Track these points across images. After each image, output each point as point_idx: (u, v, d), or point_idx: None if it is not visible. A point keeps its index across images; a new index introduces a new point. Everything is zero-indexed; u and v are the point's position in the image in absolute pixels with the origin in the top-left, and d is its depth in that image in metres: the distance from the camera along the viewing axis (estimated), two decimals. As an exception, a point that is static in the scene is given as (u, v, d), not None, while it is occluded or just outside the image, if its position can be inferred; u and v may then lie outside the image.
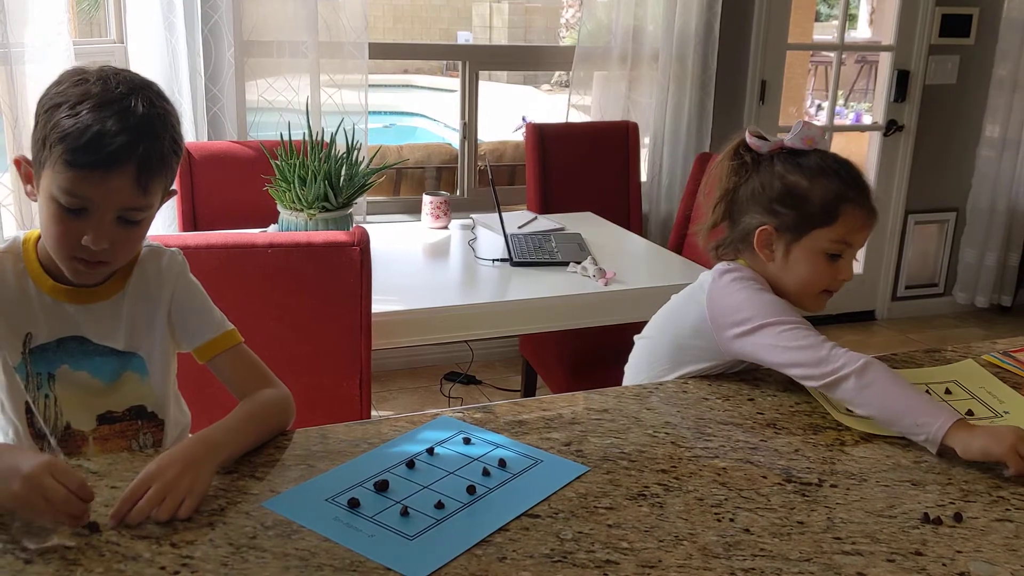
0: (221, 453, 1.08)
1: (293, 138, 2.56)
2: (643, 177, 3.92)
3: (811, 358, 1.31)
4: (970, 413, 1.35)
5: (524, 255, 2.70)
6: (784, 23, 4.09)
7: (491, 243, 2.81)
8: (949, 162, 4.50)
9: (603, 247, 2.80)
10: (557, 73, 3.73)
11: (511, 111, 4.29)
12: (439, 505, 1.03)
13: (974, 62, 4.36)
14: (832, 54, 4.43)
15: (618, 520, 1.03)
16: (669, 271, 2.68)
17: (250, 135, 3.36)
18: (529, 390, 3.25)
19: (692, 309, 1.47)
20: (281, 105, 3.38)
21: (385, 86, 9.98)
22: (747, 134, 1.45)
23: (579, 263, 2.60)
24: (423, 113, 9.48)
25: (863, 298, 4.63)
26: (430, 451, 1.15)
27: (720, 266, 1.48)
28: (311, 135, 2.57)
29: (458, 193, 3.92)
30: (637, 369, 1.56)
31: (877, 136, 4.42)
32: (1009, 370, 1.53)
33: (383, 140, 6.27)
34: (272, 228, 2.61)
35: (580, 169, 3.62)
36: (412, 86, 10.49)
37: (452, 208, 3.06)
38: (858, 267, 4.57)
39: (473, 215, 3.09)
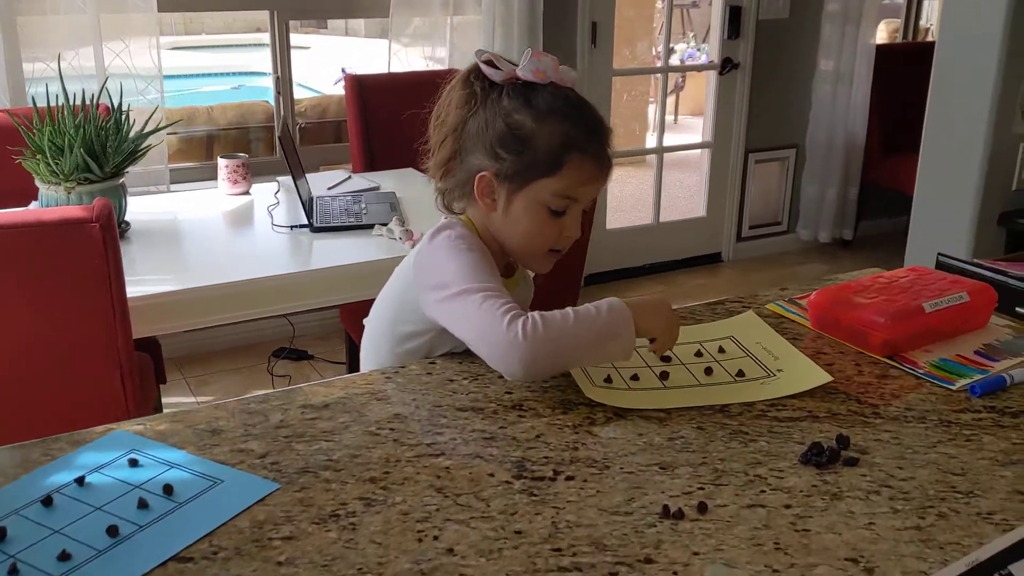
0: None
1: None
2: (474, 128, 3.73)
3: (493, 331, 1.12)
4: (740, 374, 1.22)
5: (326, 219, 2.48)
6: (610, -42, 3.93)
7: (295, 209, 2.58)
8: (786, 99, 4.46)
9: (418, 205, 2.60)
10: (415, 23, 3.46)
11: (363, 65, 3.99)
12: (64, 556, 0.82)
13: (805, -5, 4.31)
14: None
15: (294, 554, 0.84)
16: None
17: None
18: (354, 364, 3.04)
19: (407, 274, 1.29)
20: (63, 71, 3.03)
21: (237, 46, 9.50)
22: (481, 56, 1.24)
23: (385, 225, 2.41)
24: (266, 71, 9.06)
25: (708, 241, 4.58)
26: (79, 481, 0.94)
27: (439, 224, 1.29)
28: (67, 98, 2.27)
29: (276, 155, 3.66)
30: (366, 355, 1.37)
31: (714, 76, 4.34)
32: (792, 319, 1.41)
33: (230, 99, 5.87)
34: (33, 205, 2.32)
35: (405, 122, 3.39)
36: (261, 44, 10.02)
37: (269, 171, 2.79)
38: (700, 209, 4.52)
39: (280, 178, 2.85)
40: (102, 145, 2.27)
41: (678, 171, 6.00)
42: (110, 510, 0.90)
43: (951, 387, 1.19)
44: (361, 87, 3.29)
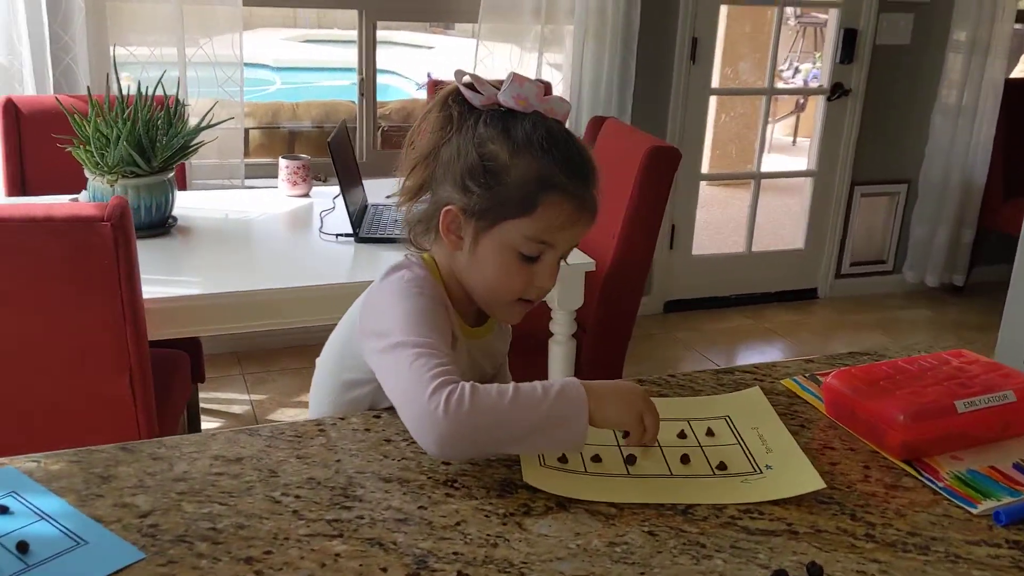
0: None
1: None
2: (559, 141, 3.59)
3: (415, 397, 0.98)
4: (722, 467, 1.05)
5: (373, 229, 2.39)
6: (718, -27, 3.73)
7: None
8: (900, 131, 4.16)
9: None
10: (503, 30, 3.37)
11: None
12: None
13: (929, 21, 4.00)
14: (823, 16, 4.06)
15: (117, 647, 0.74)
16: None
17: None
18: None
19: (355, 316, 1.17)
20: (143, 58, 3.06)
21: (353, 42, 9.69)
22: (460, 78, 1.12)
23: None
24: (395, 70, 9.14)
25: (804, 275, 4.32)
26: (-64, 525, 0.86)
27: (396, 262, 1.16)
28: (120, 89, 2.25)
29: (357, 157, 3.61)
30: (312, 400, 1.26)
31: (822, 100, 4.08)
32: (807, 400, 1.23)
33: (338, 96, 5.89)
34: (82, 196, 2.31)
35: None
36: (389, 42, 10.15)
37: None
38: (799, 240, 4.27)
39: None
40: (151, 139, 2.24)
41: (778, 197, 5.72)
42: (-48, 566, 0.81)
43: (972, 509, 1.00)
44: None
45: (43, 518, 0.89)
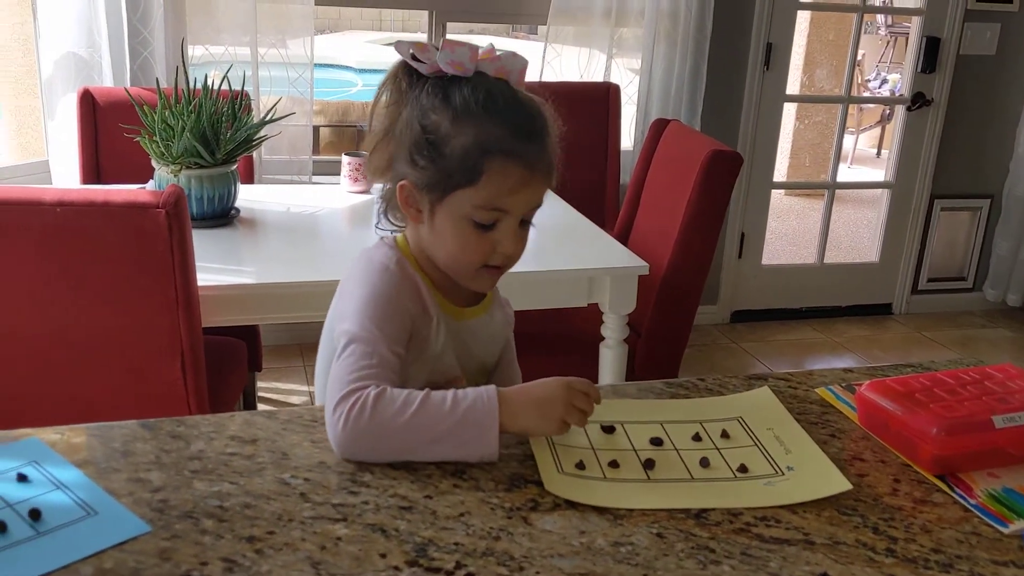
0: None
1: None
2: (627, 145, 3.57)
3: (329, 398, 1.00)
4: (743, 469, 1.02)
5: (430, 227, 2.40)
6: (796, -21, 3.65)
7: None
8: (984, 144, 4.02)
9: (539, 218, 2.49)
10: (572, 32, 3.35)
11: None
12: None
13: (1017, 31, 3.85)
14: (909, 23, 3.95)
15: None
16: (581, 254, 2.33)
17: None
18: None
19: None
20: (219, 56, 3.14)
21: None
22: (403, 49, 1.08)
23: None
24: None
25: (879, 289, 4.19)
26: (-45, 491, 0.89)
27: (369, 246, 1.17)
28: (187, 82, 2.31)
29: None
30: (318, 382, 1.26)
31: (902, 111, 3.96)
32: (840, 410, 1.18)
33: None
34: (150, 184, 2.37)
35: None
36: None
37: None
38: (873, 255, 4.15)
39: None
40: (215, 131, 2.29)
41: (857, 209, 5.58)
42: (-35, 530, 0.84)
43: (1003, 529, 0.95)
44: (510, 94, 3.20)
45: (59, 488, 0.91)
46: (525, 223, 1.13)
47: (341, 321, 1.09)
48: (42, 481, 0.92)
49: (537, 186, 1.10)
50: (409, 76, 1.10)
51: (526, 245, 1.14)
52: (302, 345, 3.50)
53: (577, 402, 1.02)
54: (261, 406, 2.97)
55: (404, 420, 0.97)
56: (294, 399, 3.15)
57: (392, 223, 1.19)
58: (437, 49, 1.08)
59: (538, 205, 1.13)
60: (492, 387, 1.01)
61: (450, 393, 0.99)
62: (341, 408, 0.98)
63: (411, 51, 1.09)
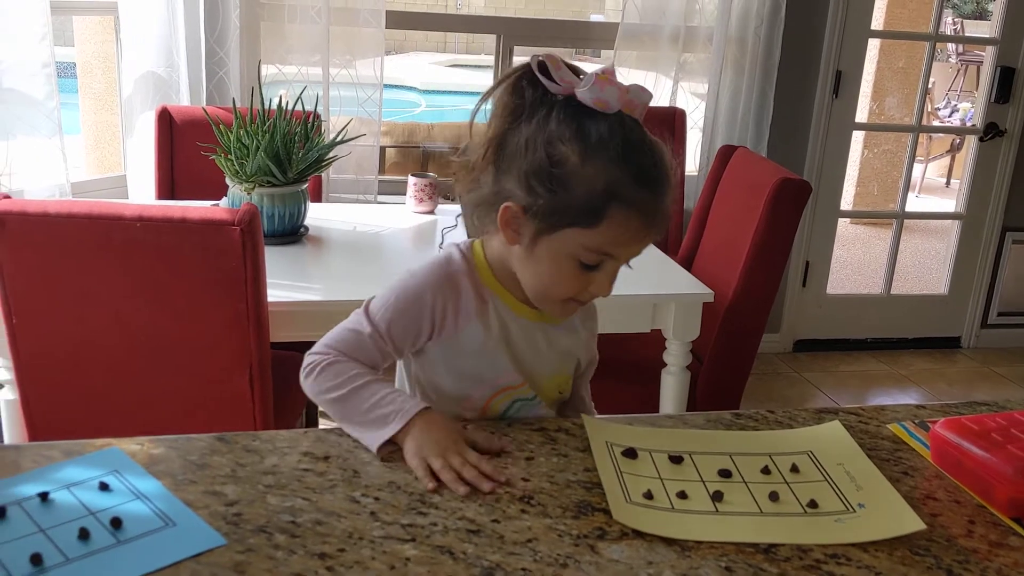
0: None
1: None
2: (692, 171, 3.56)
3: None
4: (813, 505, 1.01)
5: (493, 249, 2.42)
6: (867, 5, 3.62)
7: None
8: (1059, 175, 3.91)
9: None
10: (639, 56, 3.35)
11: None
12: (-31, 577, 0.80)
13: (1097, 61, 3.76)
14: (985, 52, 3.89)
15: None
16: (645, 279, 2.32)
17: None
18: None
19: None
20: (291, 76, 3.20)
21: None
22: (534, 61, 1.04)
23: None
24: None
25: (947, 322, 4.11)
26: (43, 496, 0.92)
27: (445, 247, 1.20)
28: (262, 103, 2.37)
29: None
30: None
31: (974, 141, 3.89)
32: (913, 447, 1.16)
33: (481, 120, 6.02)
34: (223, 201, 2.43)
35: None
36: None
37: None
38: (941, 286, 4.06)
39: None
40: (288, 151, 2.34)
41: (925, 240, 5.48)
42: (52, 535, 0.87)
43: (1084, 577, 0.92)
44: (576, 117, 3.22)
45: (139, 498, 0.94)
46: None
47: (380, 289, 1.18)
48: (123, 491, 0.95)
49: (652, 238, 1.08)
50: (534, 88, 1.06)
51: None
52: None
53: (454, 463, 1.02)
54: (323, 420, 3.01)
55: (329, 396, 1.12)
56: (354, 415, 3.18)
57: (474, 225, 1.16)
58: (575, 72, 1.05)
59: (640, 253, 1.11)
60: (419, 406, 1.07)
61: (381, 392, 1.09)
62: (306, 360, 1.16)
63: (541, 60, 1.04)
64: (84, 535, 0.87)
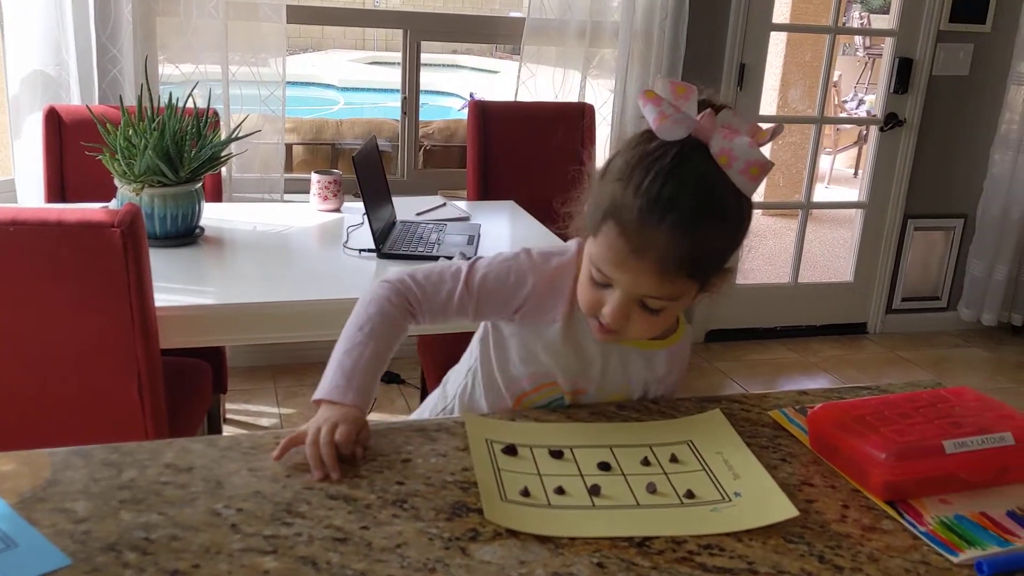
0: None
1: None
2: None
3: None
4: (690, 495, 1.00)
5: (398, 246, 2.38)
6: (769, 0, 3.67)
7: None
8: (957, 164, 4.03)
9: (499, 241, 2.47)
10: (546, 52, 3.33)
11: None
12: None
13: (990, 52, 3.88)
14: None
15: (16, 653, 0.72)
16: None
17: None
18: (426, 394, 2.93)
19: None
20: (189, 74, 3.11)
21: (431, 65, 9.86)
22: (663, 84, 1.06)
23: (450, 258, 2.28)
24: (461, 94, 9.23)
25: (853, 309, 4.20)
26: None
27: (576, 241, 1.22)
28: (151, 100, 2.29)
29: (398, 174, 3.62)
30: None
31: (875, 131, 3.98)
32: (792, 433, 1.17)
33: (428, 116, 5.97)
34: (112, 203, 2.34)
35: (527, 153, 3.27)
36: (458, 66, 10.26)
37: (393, 190, 2.69)
38: (847, 274, 4.16)
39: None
40: (179, 149, 2.26)
41: (833, 229, 5.59)
42: None
43: (953, 558, 0.93)
44: (484, 114, 3.20)
45: (-19, 518, 0.88)
46: (647, 306, 1.08)
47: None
48: (-33, 512, 0.89)
49: (644, 274, 1.03)
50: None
51: (650, 328, 1.12)
52: (273, 367, 3.46)
53: (313, 443, 1.03)
54: (228, 428, 2.94)
55: (350, 320, 1.19)
56: (263, 421, 3.11)
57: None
58: (717, 110, 1.05)
59: (656, 295, 1.06)
60: (353, 401, 1.11)
61: (365, 357, 1.15)
62: (383, 277, 1.22)
63: (663, 86, 1.05)
64: (-86, 561, 0.81)
